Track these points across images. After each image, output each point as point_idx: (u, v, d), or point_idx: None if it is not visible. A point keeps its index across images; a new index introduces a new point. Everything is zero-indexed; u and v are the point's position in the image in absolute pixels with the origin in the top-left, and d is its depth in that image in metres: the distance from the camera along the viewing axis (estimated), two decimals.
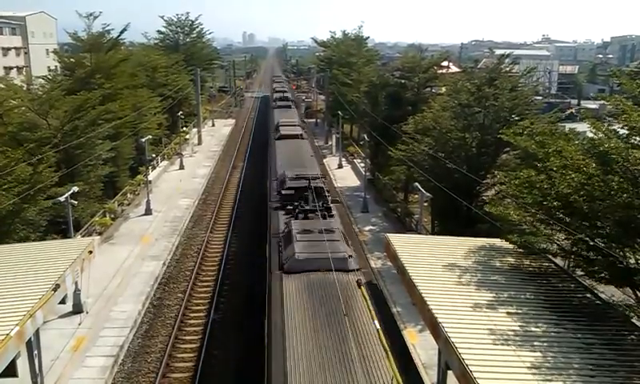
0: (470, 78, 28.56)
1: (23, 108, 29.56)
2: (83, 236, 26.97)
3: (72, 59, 42.19)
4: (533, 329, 11.56)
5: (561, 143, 14.53)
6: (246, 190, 40.86)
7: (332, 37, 75.67)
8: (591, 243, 13.16)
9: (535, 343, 11.01)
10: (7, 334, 11.70)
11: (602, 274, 13.17)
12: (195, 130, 59.41)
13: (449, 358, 11.06)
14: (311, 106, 79.06)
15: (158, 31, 70.89)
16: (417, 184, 25.29)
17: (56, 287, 13.88)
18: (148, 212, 33.30)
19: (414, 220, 30.69)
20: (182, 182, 41.52)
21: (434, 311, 12.04)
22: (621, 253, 12.61)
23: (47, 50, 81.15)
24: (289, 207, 18.80)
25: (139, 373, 18.30)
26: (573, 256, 14.57)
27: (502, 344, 10.92)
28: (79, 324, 20.15)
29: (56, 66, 51.11)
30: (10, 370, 12.39)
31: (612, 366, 10.36)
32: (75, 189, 23.83)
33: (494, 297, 12.89)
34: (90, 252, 16.86)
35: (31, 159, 24.65)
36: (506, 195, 17.05)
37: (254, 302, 22.23)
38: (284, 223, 17.66)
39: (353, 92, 48.70)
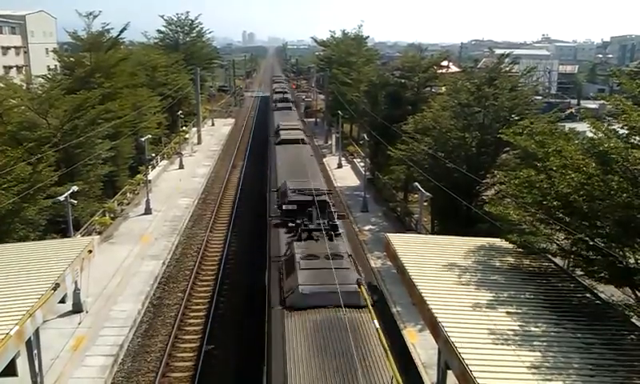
0: (470, 77, 28.57)
1: (23, 107, 29.54)
2: (83, 235, 26.97)
3: (72, 58, 42.19)
4: (532, 328, 11.56)
5: (561, 143, 14.53)
6: (246, 189, 40.86)
7: (332, 36, 75.68)
8: (591, 243, 13.16)
9: (535, 343, 11.01)
10: (7, 334, 11.68)
11: (602, 274, 13.18)
12: (195, 129, 59.39)
13: (448, 357, 11.06)
14: (311, 106, 79.05)
15: (158, 30, 71.00)
16: (416, 183, 25.29)
17: (56, 286, 13.86)
18: (148, 211, 33.30)
19: (414, 219, 30.69)
20: (181, 182, 41.52)
21: (433, 311, 12.04)
22: (620, 252, 12.61)
23: (47, 49, 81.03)
24: (290, 224, 16.92)
25: (139, 372, 18.30)
26: (572, 256, 14.57)
27: (502, 344, 10.93)
28: (79, 323, 20.15)
29: (56, 65, 51.11)
30: (10, 370, 12.37)
31: (612, 365, 10.36)
32: (75, 188, 23.83)
33: (493, 296, 12.89)
34: (90, 251, 16.84)
35: (31, 158, 24.64)
36: (505, 195, 17.06)
37: (253, 301, 22.23)
38: (285, 244, 15.99)
39: (352, 91, 48.72)
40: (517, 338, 11.17)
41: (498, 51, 37.75)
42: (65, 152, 28.64)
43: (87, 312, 20.87)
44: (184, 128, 57.02)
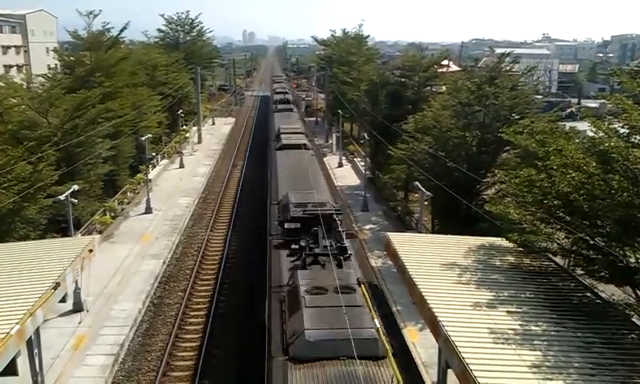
0: (471, 76, 28.58)
1: (23, 106, 29.57)
2: (83, 234, 27.00)
3: (72, 58, 42.16)
4: (533, 327, 11.57)
5: (561, 142, 14.53)
6: (246, 189, 40.85)
7: (332, 35, 75.63)
8: (591, 242, 13.16)
9: (535, 342, 11.02)
10: (7, 333, 11.69)
11: (602, 273, 13.18)
12: (195, 128, 59.38)
13: (449, 356, 11.07)
14: (311, 105, 79.08)
15: (158, 30, 71.00)
16: (417, 183, 25.28)
17: (56, 286, 13.88)
18: (148, 210, 33.30)
19: (414, 219, 30.70)
20: (182, 181, 41.51)
21: (434, 310, 12.05)
22: (621, 252, 12.61)
23: (47, 48, 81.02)
24: (294, 246, 14.95)
25: (139, 371, 18.30)
26: (573, 255, 14.59)
27: (502, 343, 10.93)
28: (79, 322, 20.15)
29: (56, 65, 51.20)
30: (11, 369, 12.38)
31: (612, 364, 10.37)
32: (75, 187, 23.80)
33: (494, 296, 12.90)
34: (90, 250, 16.86)
35: (31, 157, 24.66)
36: (506, 194, 17.09)
37: (253, 300, 22.23)
38: (288, 270, 14.16)
39: (353, 91, 48.73)
40: (517, 336, 11.17)
41: (499, 50, 37.72)
42: (65, 151, 28.65)
43: (88, 311, 20.87)
44: (184, 127, 57.02)
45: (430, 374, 16.57)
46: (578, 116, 51.52)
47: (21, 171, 23.31)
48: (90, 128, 30.13)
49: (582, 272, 14.06)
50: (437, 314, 11.83)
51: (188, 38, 72.06)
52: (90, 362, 17.89)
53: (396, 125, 33.01)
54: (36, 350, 14.57)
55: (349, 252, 14.71)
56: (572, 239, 13.88)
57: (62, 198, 22.60)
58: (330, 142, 55.98)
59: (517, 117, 24.76)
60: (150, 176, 37.53)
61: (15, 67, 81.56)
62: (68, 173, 27.56)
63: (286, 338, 11.18)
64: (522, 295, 13.06)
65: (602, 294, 13.49)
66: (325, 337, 10.55)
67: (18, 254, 16.38)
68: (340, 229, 16.00)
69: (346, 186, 40.20)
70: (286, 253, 15.07)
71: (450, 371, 11.45)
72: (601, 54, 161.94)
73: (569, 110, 63.15)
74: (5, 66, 78.86)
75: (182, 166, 45.66)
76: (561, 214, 13.73)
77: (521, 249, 15.13)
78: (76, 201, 23.80)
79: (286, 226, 16.38)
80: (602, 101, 39.38)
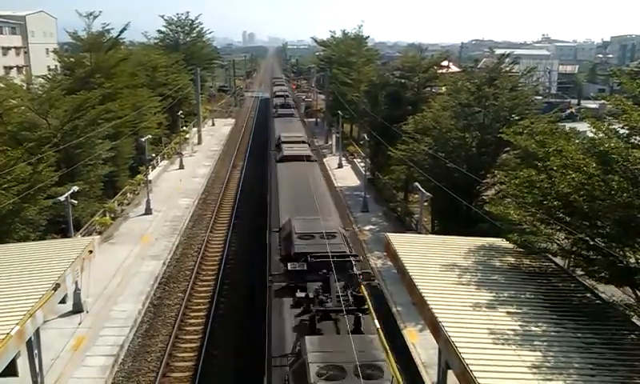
0: (470, 77, 28.62)
1: (23, 107, 29.57)
2: (83, 235, 26.98)
3: (72, 59, 42.23)
4: (533, 328, 11.58)
5: (561, 143, 14.55)
6: (246, 190, 40.83)
7: (332, 36, 75.69)
8: (591, 243, 13.18)
9: (535, 342, 11.03)
10: (7, 334, 11.70)
11: (602, 274, 13.20)
12: (195, 129, 59.39)
13: (449, 357, 11.07)
14: (311, 106, 79.17)
15: (158, 31, 70.96)
16: (417, 183, 25.30)
17: (56, 287, 13.89)
18: (148, 211, 33.30)
19: (414, 219, 30.71)
20: (181, 182, 41.51)
21: (434, 311, 12.05)
22: (621, 252, 12.63)
23: (47, 49, 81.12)
24: (299, 294, 11.71)
25: (139, 372, 18.29)
26: (573, 255, 14.60)
27: (502, 343, 10.94)
28: (79, 323, 20.15)
29: (56, 66, 51.11)
30: (11, 370, 12.39)
31: (612, 365, 10.37)
32: (75, 188, 23.82)
33: (494, 296, 12.91)
34: (90, 251, 16.87)
35: (31, 159, 24.65)
36: (506, 195, 17.08)
37: (253, 300, 22.22)
38: (292, 329, 11.17)
39: (353, 91, 48.75)
40: (517, 337, 11.18)
41: (498, 51, 37.81)
42: (65, 152, 28.66)
43: (87, 312, 20.86)
44: (184, 128, 57.01)
45: (430, 375, 16.57)
46: (577, 117, 51.60)
47: (21, 172, 23.30)
48: (89, 129, 30.12)
49: (581, 273, 14.07)
50: (437, 315, 11.84)
51: (188, 39, 72.06)
52: (90, 362, 17.88)
53: (396, 126, 33.03)
54: (36, 351, 14.58)
55: (367, 304, 11.62)
56: (572, 240, 13.90)
57: (61, 199, 22.60)
58: (330, 142, 56.02)
59: (516, 117, 24.79)
60: (150, 177, 37.54)
61: (15, 68, 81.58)
62: (68, 174, 27.56)
63: None
64: (522, 296, 13.07)
65: (602, 295, 13.50)
66: None
67: (17, 254, 16.40)
68: (355, 271, 13.24)
69: (346, 187, 40.21)
70: (289, 303, 12.11)
71: (450, 372, 11.46)
72: (600, 55, 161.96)
73: (568, 111, 63.24)
74: (5, 68, 78.91)
75: (181, 166, 45.67)
76: (561, 215, 13.75)
77: (521, 249, 15.15)
78: (76, 202, 23.80)
79: (289, 266, 13.34)
80: (602, 101, 39.43)
